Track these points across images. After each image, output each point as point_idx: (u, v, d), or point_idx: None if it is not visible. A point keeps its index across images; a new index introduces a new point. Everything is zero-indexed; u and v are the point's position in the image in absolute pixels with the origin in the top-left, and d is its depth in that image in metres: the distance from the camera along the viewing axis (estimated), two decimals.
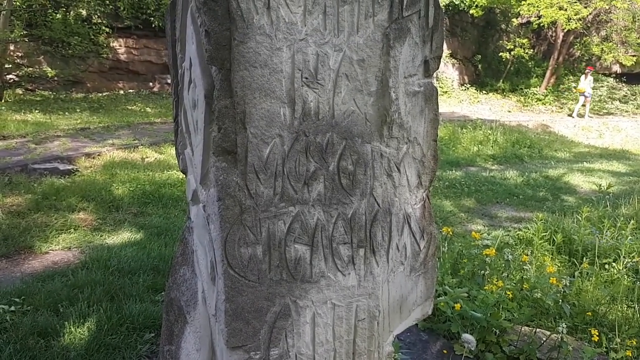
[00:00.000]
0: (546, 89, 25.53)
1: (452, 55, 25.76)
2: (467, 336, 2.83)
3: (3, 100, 14.37)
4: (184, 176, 2.11)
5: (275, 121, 1.56)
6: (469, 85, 26.02)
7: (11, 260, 5.46)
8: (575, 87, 23.56)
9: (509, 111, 23.13)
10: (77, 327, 3.90)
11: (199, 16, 1.49)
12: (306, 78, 1.58)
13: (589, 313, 4.08)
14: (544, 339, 3.56)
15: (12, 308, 4.16)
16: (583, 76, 22.04)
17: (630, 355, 3.29)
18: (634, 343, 3.41)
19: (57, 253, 5.71)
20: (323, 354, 1.73)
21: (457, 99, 24.02)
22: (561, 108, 24.32)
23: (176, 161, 7.91)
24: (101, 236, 6.22)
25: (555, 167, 12.64)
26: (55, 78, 16.22)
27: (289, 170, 1.60)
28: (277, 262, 1.63)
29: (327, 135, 1.63)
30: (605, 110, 24.31)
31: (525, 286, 3.95)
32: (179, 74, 1.88)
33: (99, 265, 5.13)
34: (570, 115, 22.49)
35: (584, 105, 22.00)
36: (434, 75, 1.78)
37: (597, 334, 3.43)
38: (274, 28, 1.52)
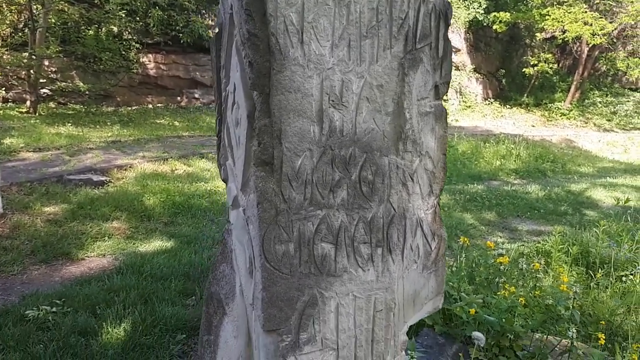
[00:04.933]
0: (571, 103, 25.44)
1: (476, 70, 25.85)
2: (477, 334, 3.05)
3: (37, 114, 14.88)
4: (224, 185, 2.38)
5: (306, 137, 1.85)
6: (492, 100, 26.04)
7: (50, 265, 5.78)
8: None
9: (533, 126, 23.09)
10: (114, 328, 4.16)
11: (244, 49, 1.78)
12: (332, 101, 1.86)
13: (603, 322, 4.21)
14: (556, 344, 3.73)
15: (54, 309, 4.44)
16: None
17: (636, 358, 3.43)
18: None
19: (92, 259, 6.02)
20: (345, 340, 1.99)
21: (481, 114, 24.06)
22: (586, 123, 24.21)
23: (204, 174, 8.23)
24: (134, 244, 6.52)
25: (578, 182, 12.67)
26: (87, 92, 16.75)
27: (317, 179, 1.88)
28: (306, 257, 1.91)
29: (350, 149, 1.91)
30: (631, 125, 24.12)
31: (536, 293, 4.12)
32: (223, 96, 2.18)
33: (133, 271, 5.42)
34: None
35: None
36: (444, 97, 2.04)
37: (604, 337, 3.58)
38: (306, 59, 1.81)
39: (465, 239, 4.61)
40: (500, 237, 7.65)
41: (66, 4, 15.50)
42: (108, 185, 8.85)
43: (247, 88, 1.81)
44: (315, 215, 1.89)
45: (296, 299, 1.88)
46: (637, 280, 5.10)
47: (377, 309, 2.02)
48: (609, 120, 24.40)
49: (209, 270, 5.56)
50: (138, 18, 17.79)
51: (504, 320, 3.68)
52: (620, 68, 23.95)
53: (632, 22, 22.32)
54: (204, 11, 19.85)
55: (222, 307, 2.21)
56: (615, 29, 22.53)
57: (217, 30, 2.17)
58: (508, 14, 23.08)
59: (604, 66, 26.16)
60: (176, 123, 16.70)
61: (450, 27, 2.03)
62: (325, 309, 1.94)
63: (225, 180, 2.31)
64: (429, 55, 1.98)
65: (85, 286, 5.07)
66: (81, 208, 7.45)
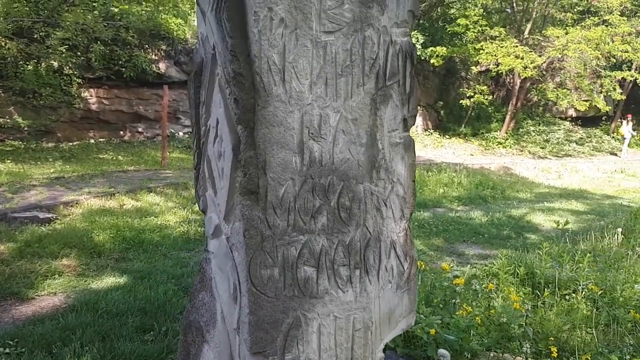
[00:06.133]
0: (506, 132, 26.52)
1: None
2: (442, 351, 3.19)
3: None
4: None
5: (289, 167, 1.99)
6: (432, 131, 26.83)
7: None
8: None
9: (472, 155, 23.89)
10: None
11: (228, 87, 1.92)
12: (312, 133, 2.01)
13: (552, 338, 4.43)
14: None
15: (7, 350, 4.30)
16: (624, 121, 24.21)
17: None
18: (589, 358, 3.79)
19: (43, 298, 5.84)
20: (327, 359, 2.09)
21: (422, 144, 24.66)
22: (521, 151, 25.29)
23: (153, 208, 8.09)
24: (85, 281, 6.36)
25: (518, 207, 13.13)
26: (26, 128, 16.26)
27: (299, 206, 2.01)
28: (290, 281, 2.02)
29: (329, 178, 2.06)
30: (563, 152, 25.39)
31: (491, 312, 4.32)
32: (202, 131, 2.28)
33: (87, 308, 5.28)
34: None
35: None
36: (411, 129, 2.22)
37: (556, 350, 3.80)
38: (287, 96, 1.96)
39: (421, 263, 4.79)
40: (449, 261, 7.86)
41: (4, 39, 15.13)
42: (55, 222, 8.59)
43: (232, 122, 1.93)
44: (298, 241, 2.02)
45: (281, 321, 1.99)
46: (580, 298, 5.37)
47: (356, 328, 2.15)
48: (542, 148, 25.60)
49: (165, 304, 5.52)
50: (79, 53, 17.49)
51: (461, 339, 3.85)
52: (551, 98, 25.22)
53: (559, 56, 23.65)
54: (147, 46, 19.75)
55: (202, 334, 2.27)
56: (544, 62, 23.80)
57: (195, 69, 2.29)
58: (444, 49, 24.04)
59: (536, 97, 27.48)
60: (120, 157, 16.38)
61: None
62: (308, 330, 2.05)
63: (204, 211, 2.40)
64: (398, 91, 2.17)
65: (39, 325, 4.92)
66: (28, 246, 7.21)
